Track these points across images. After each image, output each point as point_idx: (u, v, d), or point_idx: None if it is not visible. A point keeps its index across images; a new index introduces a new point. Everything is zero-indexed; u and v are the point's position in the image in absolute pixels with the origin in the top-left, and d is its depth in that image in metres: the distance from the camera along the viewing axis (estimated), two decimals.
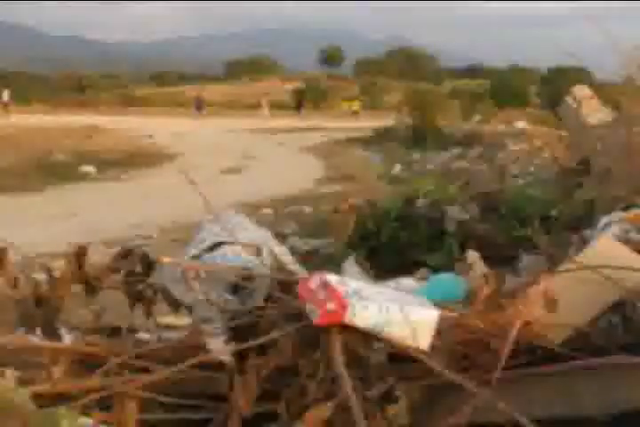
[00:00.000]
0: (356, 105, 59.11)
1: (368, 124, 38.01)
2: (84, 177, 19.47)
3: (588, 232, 5.40)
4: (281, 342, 3.20)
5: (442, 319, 3.19)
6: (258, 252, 3.98)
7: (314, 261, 6.90)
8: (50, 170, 19.46)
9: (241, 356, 3.25)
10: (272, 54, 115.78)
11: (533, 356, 3.31)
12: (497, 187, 9.34)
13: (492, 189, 8.58)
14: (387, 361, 3.25)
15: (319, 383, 3.08)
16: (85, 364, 3.36)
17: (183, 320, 4.51)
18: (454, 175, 14.47)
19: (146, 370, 3.28)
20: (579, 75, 44.48)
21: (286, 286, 3.58)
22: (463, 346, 3.29)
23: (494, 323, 3.25)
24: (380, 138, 32.26)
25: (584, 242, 4.89)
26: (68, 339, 3.87)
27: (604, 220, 5.26)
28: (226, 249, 3.93)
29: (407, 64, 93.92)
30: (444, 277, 4.35)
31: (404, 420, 2.99)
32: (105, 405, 2.99)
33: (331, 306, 3.04)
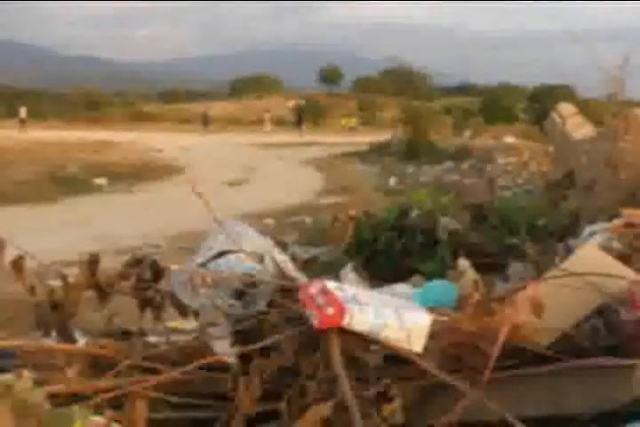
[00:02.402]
0: (353, 121, 59.22)
1: (365, 139, 38.06)
2: (97, 189, 19.49)
3: (572, 241, 5.41)
4: (283, 345, 3.20)
5: (435, 323, 3.19)
6: (261, 260, 3.98)
7: (313, 268, 6.88)
8: (64, 182, 19.46)
9: (245, 358, 3.25)
10: (274, 73, 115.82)
11: (521, 358, 3.31)
12: (487, 198, 9.35)
13: (483, 200, 8.58)
14: (383, 363, 3.26)
15: (319, 384, 3.08)
16: (98, 365, 3.37)
17: (190, 324, 4.51)
18: (447, 187, 14.47)
19: (155, 371, 3.28)
20: (564, 92, 44.53)
21: (288, 291, 3.58)
22: (455, 348, 3.30)
23: (484, 326, 3.25)
24: (376, 152, 32.32)
25: (569, 250, 4.90)
26: (81, 342, 3.87)
27: (588, 229, 5.28)
28: (230, 257, 3.94)
29: (402, 83, 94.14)
30: (437, 284, 4.35)
31: (399, 419, 2.99)
32: (116, 404, 2.99)
33: (330, 311, 3.04)
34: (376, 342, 3.13)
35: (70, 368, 3.19)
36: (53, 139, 34.44)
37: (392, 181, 21.21)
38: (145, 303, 3.85)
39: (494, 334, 3.15)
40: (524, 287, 3.46)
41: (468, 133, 37.69)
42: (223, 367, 3.30)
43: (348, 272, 4.72)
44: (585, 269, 3.53)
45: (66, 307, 3.71)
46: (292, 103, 74.91)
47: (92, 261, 3.80)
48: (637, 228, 4.67)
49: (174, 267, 3.65)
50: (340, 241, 6.71)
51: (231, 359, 3.31)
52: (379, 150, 32.65)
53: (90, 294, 3.85)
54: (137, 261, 3.91)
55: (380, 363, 3.23)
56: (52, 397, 2.83)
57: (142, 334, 3.95)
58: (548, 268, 4.13)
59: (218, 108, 73.36)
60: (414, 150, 29.75)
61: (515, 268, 5.46)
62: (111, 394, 3.00)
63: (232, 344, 3.47)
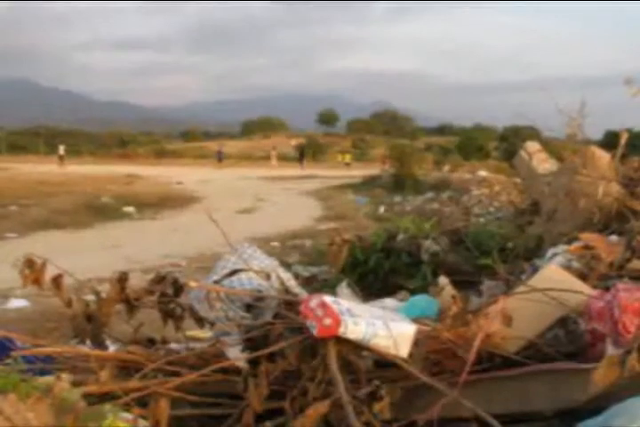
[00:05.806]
0: (348, 157, 59.21)
1: (358, 173, 38.03)
2: (126, 216, 19.43)
3: (537, 261, 5.42)
4: (286, 351, 3.21)
5: (418, 332, 3.20)
6: (268, 277, 3.99)
7: (313, 285, 6.89)
8: (97, 210, 19.43)
9: (254, 362, 3.25)
10: (279, 116, 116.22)
11: (493, 362, 3.32)
12: (463, 224, 9.35)
13: (459, 226, 8.59)
14: (373, 367, 3.27)
15: (318, 385, 3.09)
16: (126, 369, 3.37)
17: (206, 333, 4.51)
18: (428, 215, 14.43)
19: (176, 374, 3.28)
20: (529, 133, 44.58)
21: (291, 305, 3.59)
22: (436, 354, 3.30)
23: (461, 335, 3.26)
24: (367, 184, 32.30)
25: (534, 269, 4.90)
26: (112, 348, 3.88)
27: (550, 251, 5.29)
28: (242, 275, 3.95)
29: (389, 124, 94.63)
30: (420, 298, 4.36)
31: (388, 415, 3.00)
32: (143, 402, 2.99)
33: (327, 321, 3.05)
34: (367, 348, 3.14)
35: (103, 371, 3.19)
36: (88, 173, 34.48)
37: (381, 209, 21.19)
38: (167, 315, 3.86)
39: (469, 342, 3.16)
40: (496, 302, 3.46)
41: (446, 168, 37.71)
42: (235, 371, 3.30)
43: (344, 288, 4.72)
44: (548, 286, 3.54)
45: (99, 318, 3.72)
46: (294, 142, 75.08)
47: (122, 279, 3.81)
48: (593, 250, 4.69)
49: (193, 284, 3.66)
50: (336, 261, 6.71)
51: (242, 364, 3.31)
52: (370, 183, 32.63)
53: (120, 307, 3.86)
54: (160, 279, 3.93)
55: (370, 367, 3.25)
56: (88, 396, 2.83)
57: (165, 341, 3.95)
58: (516, 285, 4.14)
59: (231, 146, 73.58)
60: (400, 183, 29.75)
61: (487, 285, 5.44)
62: (138, 394, 3.01)
63: (243, 351, 3.47)
